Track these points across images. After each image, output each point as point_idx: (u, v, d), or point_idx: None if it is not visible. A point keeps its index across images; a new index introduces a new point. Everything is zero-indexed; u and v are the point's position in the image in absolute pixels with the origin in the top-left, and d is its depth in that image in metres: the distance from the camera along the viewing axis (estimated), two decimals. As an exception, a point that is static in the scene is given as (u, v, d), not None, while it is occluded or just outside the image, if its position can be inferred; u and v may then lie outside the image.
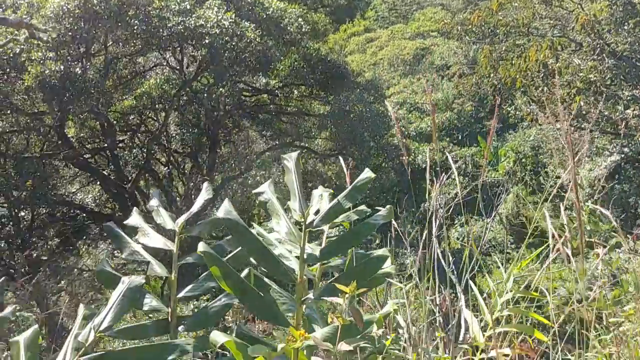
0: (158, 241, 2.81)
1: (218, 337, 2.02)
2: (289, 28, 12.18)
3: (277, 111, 16.26)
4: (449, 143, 17.50)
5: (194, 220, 2.95)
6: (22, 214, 13.44)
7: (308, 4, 14.48)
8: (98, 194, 16.84)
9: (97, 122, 14.72)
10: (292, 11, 12.27)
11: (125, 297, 2.27)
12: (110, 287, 2.53)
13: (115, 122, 15.15)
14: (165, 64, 15.06)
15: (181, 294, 2.65)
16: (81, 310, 2.40)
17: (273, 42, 12.19)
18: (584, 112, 13.64)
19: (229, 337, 2.02)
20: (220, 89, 12.41)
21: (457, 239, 16.21)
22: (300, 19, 12.22)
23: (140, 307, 2.52)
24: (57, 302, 17.21)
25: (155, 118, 16.69)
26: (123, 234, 2.84)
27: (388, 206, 2.34)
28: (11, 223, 12.32)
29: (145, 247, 2.81)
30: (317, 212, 2.59)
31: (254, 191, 2.54)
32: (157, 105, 15.94)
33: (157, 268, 2.71)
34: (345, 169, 3.24)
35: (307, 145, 17.32)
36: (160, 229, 2.95)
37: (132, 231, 2.89)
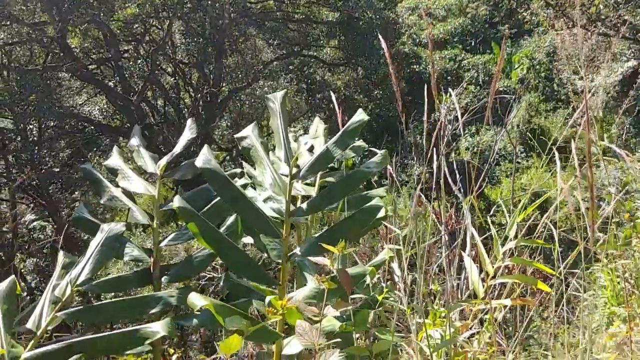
0: (139, 185, 2.63)
1: (196, 299, 1.88)
2: None
3: (284, 18, 15.71)
4: (462, 50, 16.95)
5: (178, 160, 2.81)
6: (30, 127, 13.38)
7: None
8: (105, 106, 16.71)
9: (100, 32, 14.34)
10: None
11: (104, 246, 2.13)
12: (89, 234, 2.41)
13: (118, 31, 14.74)
14: (167, -31, 14.42)
15: (164, 242, 2.50)
16: (60, 258, 2.27)
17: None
18: (602, 17, 13.08)
19: (207, 299, 1.89)
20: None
21: (467, 149, 16.07)
22: None
23: (120, 257, 2.37)
24: (71, 213, 17.58)
25: (159, 27, 16.22)
26: (101, 177, 2.67)
27: (382, 151, 2.16)
28: (19, 137, 12.28)
29: (126, 191, 2.64)
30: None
31: (236, 136, 2.32)
32: (160, 14, 15.45)
33: (138, 215, 2.56)
34: (336, 107, 3.00)
35: (315, 54, 16.87)
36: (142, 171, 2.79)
37: (113, 172, 2.73)
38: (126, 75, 15.29)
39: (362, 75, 16.23)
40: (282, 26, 15.81)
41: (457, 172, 4.80)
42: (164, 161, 2.65)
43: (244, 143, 2.26)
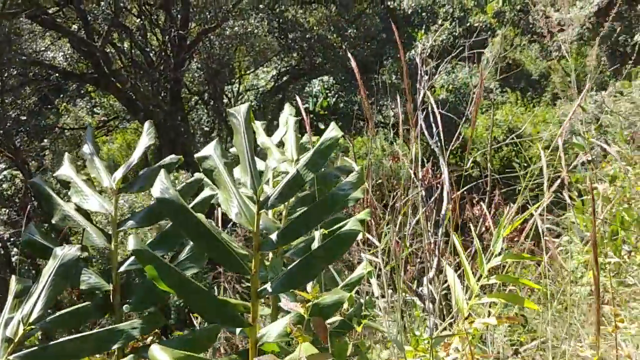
0: (94, 202, 2.40)
1: (158, 354, 1.69)
2: None
3: (252, -46, 15.04)
4: (436, -17, 16.49)
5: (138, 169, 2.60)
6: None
7: None
8: (69, 51, 16.04)
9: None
10: None
11: (57, 275, 1.95)
12: (41, 257, 2.22)
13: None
14: None
15: (124, 267, 2.32)
16: (12, 284, 2.07)
17: None
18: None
19: (170, 352, 1.69)
20: None
21: (442, 86, 15.93)
22: None
23: (76, 285, 2.19)
24: (41, 163, 17.23)
25: (121, -35, 15.42)
26: (52, 192, 2.42)
27: (357, 169, 1.99)
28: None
29: (80, 209, 2.42)
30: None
31: (196, 155, 2.08)
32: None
33: (95, 237, 2.37)
34: (305, 117, 2.81)
35: (285, -11, 16.28)
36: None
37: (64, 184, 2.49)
38: (89, 19, 14.60)
39: (335, 13, 15.76)
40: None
41: (433, 113, 4.70)
42: (119, 174, 2.43)
43: (205, 164, 2.04)
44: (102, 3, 15.21)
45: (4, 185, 16.09)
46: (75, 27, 15.51)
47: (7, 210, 15.21)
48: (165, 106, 15.27)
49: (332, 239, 1.76)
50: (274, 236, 1.87)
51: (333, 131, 1.96)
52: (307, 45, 15.22)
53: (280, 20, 16.03)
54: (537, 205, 2.31)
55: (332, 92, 19.24)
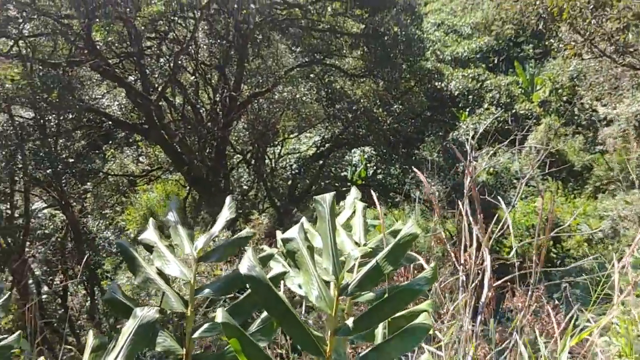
0: (174, 268, 2.50)
1: None
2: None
3: (308, 26, 15.64)
4: (485, 70, 16.83)
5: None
6: (48, 119, 13.39)
7: None
8: (124, 101, 16.72)
9: (125, 28, 14.32)
10: None
11: (137, 335, 2.01)
12: (122, 316, 2.29)
13: (142, 27, 14.73)
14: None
15: (197, 333, 2.36)
16: (90, 338, 2.13)
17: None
18: (631, 49, 12.94)
19: None
20: (251, 4, 11.84)
21: (483, 169, 15.97)
22: None
23: (152, 347, 2.24)
24: (83, 203, 17.63)
25: (184, 25, 16.21)
26: (137, 255, 2.52)
27: (432, 265, 2.02)
28: (37, 132, 12.31)
29: (161, 273, 2.50)
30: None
31: (281, 236, 2.15)
32: (186, 13, 15.44)
33: (173, 301, 2.43)
34: (377, 206, 2.87)
35: (337, 63, 16.80)
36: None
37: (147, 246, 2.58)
38: (147, 72, 15.27)
39: (383, 88, 16.14)
40: (306, 34, 15.74)
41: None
42: (200, 244, 2.51)
43: (289, 246, 2.11)
44: (162, 60, 15.95)
45: (44, 224, 16.48)
46: (132, 78, 16.19)
47: (43, 248, 15.53)
48: (209, 162, 15.65)
49: (404, 333, 1.76)
50: (350, 322, 1.89)
51: (412, 227, 2.00)
52: (352, 116, 15.54)
53: (329, 90, 16.48)
54: (603, 320, 2.28)
55: (372, 163, 19.47)
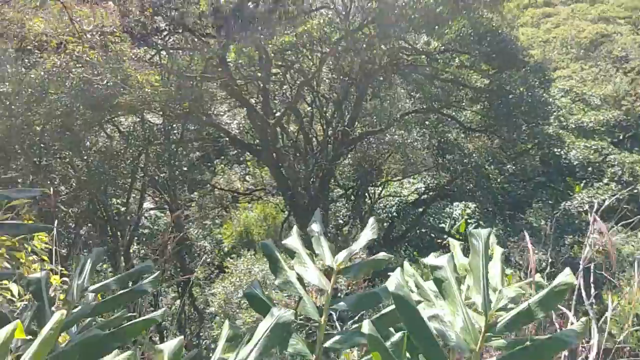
0: (314, 276, 2.59)
1: None
2: (467, -6, 11.55)
3: (431, 75, 15.72)
4: (609, 144, 16.09)
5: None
6: (175, 126, 14.22)
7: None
8: (243, 121, 17.48)
9: (257, 52, 15.05)
10: (476, -23, 11.56)
11: (272, 332, 2.11)
12: (258, 312, 2.39)
13: (272, 55, 15.42)
14: (332, 7, 14.94)
15: (329, 342, 2.42)
16: (225, 328, 2.25)
17: (446, 6, 11.63)
18: None
19: None
20: (382, 46, 12.10)
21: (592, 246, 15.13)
22: (481, -14, 11.51)
23: (284, 348, 2.32)
24: (186, 210, 18.44)
25: (310, 58, 16.81)
26: (279, 257, 2.64)
27: (584, 319, 1.96)
28: (163, 137, 13.10)
29: (300, 278, 2.60)
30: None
31: (428, 261, 2.15)
32: (315, 47, 16.02)
33: (310, 308, 2.51)
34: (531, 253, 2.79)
35: (454, 114, 16.71)
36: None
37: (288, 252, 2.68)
38: (270, 97, 15.93)
39: (497, 146, 15.83)
40: (428, 81, 15.81)
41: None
42: (341, 257, 2.58)
43: (437, 273, 2.15)
44: (285, 87, 16.60)
45: (149, 224, 17.38)
46: (253, 101, 16.91)
47: (144, 247, 16.34)
48: (312, 191, 15.94)
49: (552, 338, 1.77)
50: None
51: (568, 277, 1.97)
52: (462, 169, 15.31)
53: (441, 139, 16.38)
54: None
55: (473, 219, 19.00)
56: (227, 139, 16.58)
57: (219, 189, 19.29)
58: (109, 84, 10.26)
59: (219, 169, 20.15)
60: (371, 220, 2.86)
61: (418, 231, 18.14)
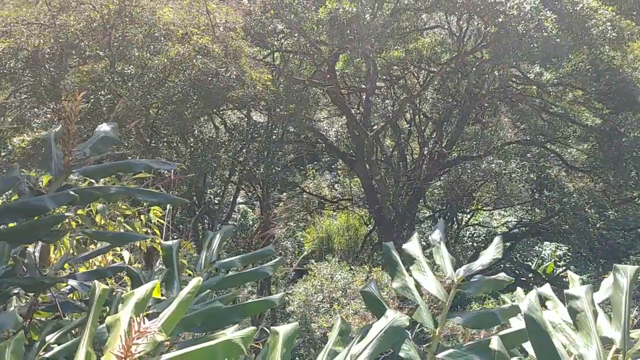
0: (432, 285, 2.59)
1: None
2: (592, 30, 11.09)
3: (540, 107, 15.24)
4: None
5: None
6: (277, 125, 14.59)
7: (623, 9, 12.95)
8: (341, 129, 17.69)
9: (364, 64, 15.20)
10: (603, 13, 11.07)
11: (386, 334, 2.13)
12: (373, 311, 2.42)
13: (379, 68, 15.52)
14: (446, 27, 14.86)
15: (443, 354, 2.41)
16: (338, 323, 2.29)
17: (568, 39, 11.26)
18: None
19: None
20: (494, 71, 11.89)
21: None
22: (608, 24, 11.02)
23: (397, 350, 2.34)
24: (274, 210, 18.85)
25: (416, 75, 16.78)
26: (399, 260, 2.65)
27: None
28: (264, 135, 13.47)
29: (418, 285, 2.61)
30: None
31: (567, 292, 2.09)
32: (422, 65, 15.99)
33: (425, 316, 2.51)
34: None
35: (558, 150, 16.11)
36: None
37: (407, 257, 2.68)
38: (371, 110, 16.03)
39: (601, 189, 15.08)
40: (535, 114, 15.34)
41: None
42: (462, 272, 2.58)
43: (572, 303, 2.10)
44: (387, 101, 16.64)
45: (234, 216, 17.91)
46: (353, 111, 17.05)
47: (231, 239, 16.84)
48: (400, 208, 15.86)
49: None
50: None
51: None
52: (559, 209, 14.70)
53: (541, 175, 15.82)
54: None
55: (563, 262, 18.20)
56: (323, 144, 16.82)
57: (308, 193, 19.56)
58: (224, 77, 10.71)
59: (310, 173, 20.45)
60: (496, 239, 2.83)
61: (502, 265, 17.58)
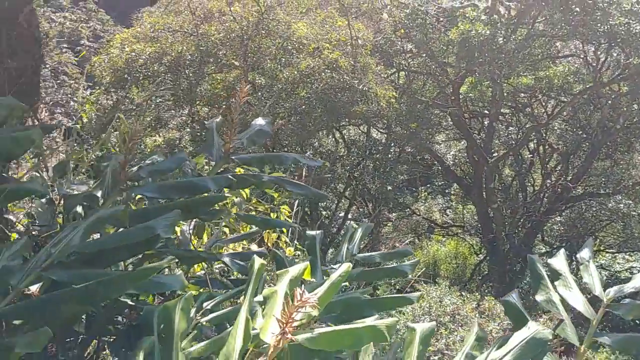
0: (578, 301, 2.50)
1: None
2: None
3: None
4: None
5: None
6: (395, 144, 14.60)
7: None
8: (458, 153, 17.37)
9: (490, 89, 14.88)
10: None
11: (528, 344, 2.09)
12: (513, 321, 2.38)
13: (505, 94, 15.10)
14: (582, 57, 14.21)
15: None
16: (475, 327, 2.28)
17: None
18: None
19: None
20: (632, 105, 11.21)
21: None
22: None
23: None
24: (383, 228, 18.80)
25: (544, 104, 16.15)
26: (545, 274, 2.59)
27: None
28: (382, 152, 13.54)
29: (563, 301, 2.53)
30: None
31: None
32: (552, 94, 15.37)
33: (570, 333, 2.42)
34: None
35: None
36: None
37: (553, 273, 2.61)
38: (493, 136, 15.63)
39: None
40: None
41: None
42: (612, 292, 2.48)
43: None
44: (511, 128, 16.13)
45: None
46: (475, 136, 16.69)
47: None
48: (516, 241, 15.25)
49: None
50: None
51: None
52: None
53: None
54: None
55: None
56: (439, 167, 16.61)
57: (418, 216, 19.33)
58: (350, 92, 10.92)
59: (422, 195, 20.20)
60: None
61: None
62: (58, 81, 12.75)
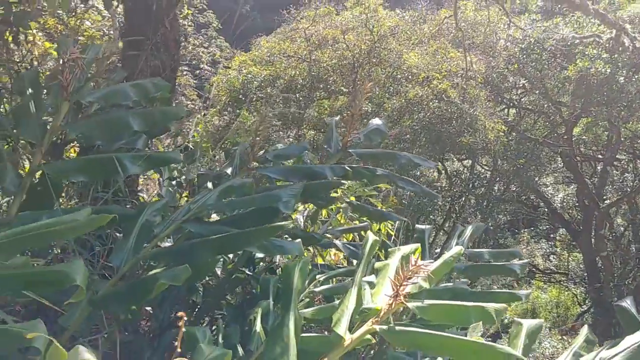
0: None
1: None
2: None
3: None
4: None
5: None
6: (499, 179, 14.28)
7: None
8: (567, 197, 16.63)
9: (606, 132, 14.23)
10: None
11: (639, 349, 2.04)
12: (625, 326, 2.32)
13: (622, 139, 14.37)
14: None
15: None
16: (585, 329, 2.27)
17: None
18: None
19: None
20: None
21: None
22: None
23: None
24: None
25: None
26: (638, 318, 2.49)
27: None
28: (486, 188, 13.27)
29: None
30: None
31: None
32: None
33: None
34: None
35: None
36: None
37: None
38: (606, 182, 14.89)
39: None
40: None
41: None
42: None
43: None
44: (627, 175, 15.28)
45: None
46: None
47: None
48: (624, 293, 14.30)
49: None
50: None
51: None
52: None
53: None
54: None
55: None
56: (545, 209, 15.97)
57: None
58: (457, 122, 10.87)
59: (524, 238, 19.46)
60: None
61: None
62: (177, 101, 13.65)
